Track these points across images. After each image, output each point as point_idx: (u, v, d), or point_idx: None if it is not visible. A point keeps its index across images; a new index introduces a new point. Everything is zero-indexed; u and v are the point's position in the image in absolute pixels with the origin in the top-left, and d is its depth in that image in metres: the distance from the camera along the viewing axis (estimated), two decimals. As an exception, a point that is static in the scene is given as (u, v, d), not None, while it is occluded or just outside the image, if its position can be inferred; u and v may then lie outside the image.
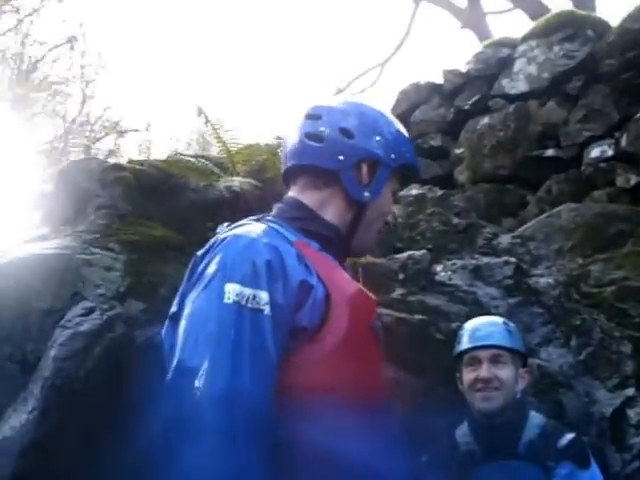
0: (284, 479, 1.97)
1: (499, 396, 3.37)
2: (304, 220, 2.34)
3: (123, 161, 5.25)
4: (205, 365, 1.93)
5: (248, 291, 2.00)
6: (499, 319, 3.72)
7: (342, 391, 2.08)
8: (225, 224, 2.35)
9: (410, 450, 2.44)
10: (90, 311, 3.21)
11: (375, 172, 2.39)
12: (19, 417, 2.82)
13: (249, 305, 1.99)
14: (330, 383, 2.07)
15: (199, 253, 2.23)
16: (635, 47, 7.99)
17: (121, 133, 20.48)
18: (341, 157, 2.36)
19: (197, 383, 1.91)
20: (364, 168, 2.37)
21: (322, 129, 2.40)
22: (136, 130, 20.12)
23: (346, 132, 2.39)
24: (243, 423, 1.88)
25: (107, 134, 20.38)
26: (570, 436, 3.36)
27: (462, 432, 3.49)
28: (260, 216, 2.38)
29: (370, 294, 2.35)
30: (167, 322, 2.26)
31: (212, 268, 2.09)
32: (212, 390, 1.90)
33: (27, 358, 3.06)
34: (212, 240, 2.24)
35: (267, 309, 2.00)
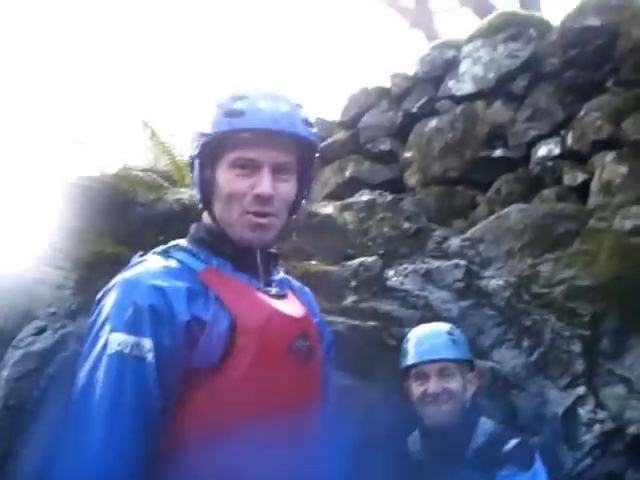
0: None
1: (449, 409, 3.39)
2: (206, 240, 2.24)
3: (75, 174, 5.23)
4: (86, 422, 1.90)
5: (131, 339, 1.94)
6: (443, 328, 3.69)
7: (244, 419, 2.01)
8: (138, 254, 2.25)
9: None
10: (42, 330, 3.21)
11: (193, 166, 2.23)
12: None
13: (132, 354, 1.94)
14: (231, 413, 2.01)
15: (98, 296, 2.14)
16: (576, 46, 8.06)
17: (77, 144, 20.27)
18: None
19: (76, 440, 1.90)
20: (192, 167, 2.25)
21: None
22: (82, 143, 19.94)
23: None
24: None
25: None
26: (515, 441, 3.37)
27: (414, 439, 3.52)
28: (176, 242, 2.28)
29: (292, 314, 2.23)
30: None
31: (100, 317, 2.02)
32: (88, 450, 1.88)
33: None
34: (105, 288, 2.13)
35: (150, 356, 1.95)
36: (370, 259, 5.16)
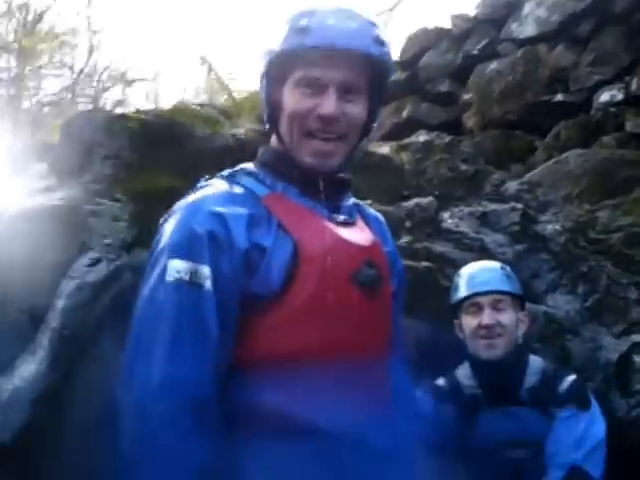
0: (242, 443, 1.95)
1: (502, 343, 3.36)
2: (272, 164, 2.19)
3: (130, 111, 5.24)
4: (150, 349, 1.89)
5: (189, 266, 1.92)
6: (495, 264, 3.68)
7: (307, 354, 1.98)
8: (204, 178, 2.21)
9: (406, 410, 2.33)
10: (97, 261, 3.23)
11: (260, 85, 2.19)
12: (28, 368, 2.85)
13: (190, 282, 1.92)
14: (293, 347, 1.98)
15: (161, 220, 2.11)
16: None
17: (128, 83, 20.36)
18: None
19: (142, 367, 1.89)
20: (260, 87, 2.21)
21: None
22: (143, 80, 20.00)
23: None
24: (183, 411, 1.85)
25: (114, 85, 20.27)
26: (570, 379, 3.36)
27: (464, 374, 3.50)
28: (242, 167, 2.22)
29: (358, 242, 2.14)
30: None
31: (160, 242, 2.01)
32: (154, 377, 1.86)
33: (35, 310, 3.08)
34: (168, 212, 2.10)
35: (208, 284, 1.92)
36: (426, 200, 5.11)
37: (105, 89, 20.23)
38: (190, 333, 1.91)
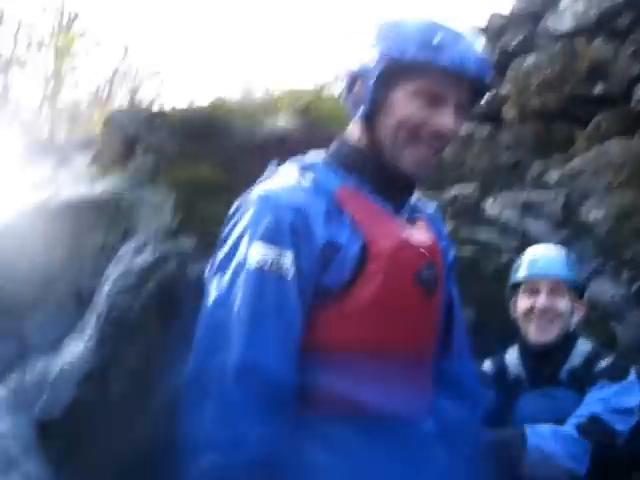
0: (306, 430, 1.97)
1: (554, 328, 3.32)
2: (347, 159, 2.19)
3: (167, 108, 5.29)
4: (229, 334, 1.90)
5: (272, 255, 1.92)
6: (560, 249, 3.64)
7: (365, 346, 2.01)
8: (274, 165, 2.21)
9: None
10: (142, 247, 3.25)
11: (366, 84, 2.15)
12: (77, 346, 2.89)
13: (273, 270, 1.92)
14: (358, 340, 2.01)
15: (231, 210, 2.11)
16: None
17: (162, 80, 20.51)
18: (343, 82, 2.25)
19: (220, 352, 1.90)
20: (358, 84, 2.17)
21: None
22: (178, 75, 20.18)
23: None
24: (263, 396, 1.87)
25: (149, 81, 20.44)
26: (608, 359, 3.31)
27: (512, 357, 3.48)
28: (312, 157, 2.23)
29: (421, 242, 2.16)
30: (208, 267, 2.15)
31: (237, 231, 2.00)
32: (233, 361, 1.87)
33: (82, 293, 3.12)
34: (244, 196, 2.11)
35: (291, 273, 1.94)
36: (468, 188, 5.10)
37: (139, 86, 20.37)
38: (272, 319, 1.92)
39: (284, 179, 2.10)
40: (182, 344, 2.53)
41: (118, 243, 3.28)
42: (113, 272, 3.10)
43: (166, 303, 3.12)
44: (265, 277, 1.93)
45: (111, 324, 2.95)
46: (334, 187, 2.10)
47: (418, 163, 2.11)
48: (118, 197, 3.50)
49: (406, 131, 2.09)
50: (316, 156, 2.23)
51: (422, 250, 2.14)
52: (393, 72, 2.09)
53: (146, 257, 3.19)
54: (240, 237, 1.99)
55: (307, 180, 2.10)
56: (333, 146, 2.25)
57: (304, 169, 2.15)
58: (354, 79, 2.18)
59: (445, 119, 2.06)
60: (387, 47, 2.11)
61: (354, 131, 2.21)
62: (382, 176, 2.15)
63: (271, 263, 1.93)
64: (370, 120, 2.15)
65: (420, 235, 2.19)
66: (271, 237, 1.94)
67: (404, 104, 2.09)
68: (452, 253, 2.45)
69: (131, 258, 3.18)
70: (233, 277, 1.95)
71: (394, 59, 2.08)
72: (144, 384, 2.92)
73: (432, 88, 2.08)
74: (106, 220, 3.36)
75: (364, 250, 2.02)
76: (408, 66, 2.08)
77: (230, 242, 2.01)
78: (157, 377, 2.89)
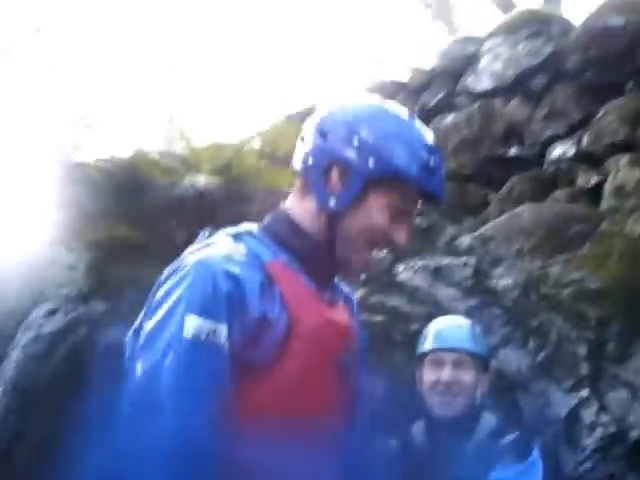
0: None
1: (458, 402, 3.37)
2: (284, 235, 2.18)
3: (89, 157, 5.26)
4: (160, 403, 1.88)
5: (208, 325, 1.91)
6: (466, 321, 3.70)
7: (288, 422, 2.01)
8: (205, 232, 2.20)
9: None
10: (53, 312, 3.23)
11: (347, 179, 2.11)
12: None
13: (208, 341, 1.91)
14: (277, 413, 2.00)
15: (164, 274, 2.10)
16: (597, 46, 8.01)
17: (87, 127, 20.26)
18: (311, 160, 2.17)
19: (151, 420, 1.88)
20: (334, 173, 2.12)
21: (311, 130, 2.22)
22: (101, 124, 19.96)
23: (321, 132, 2.17)
24: (192, 462, 1.86)
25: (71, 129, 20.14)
26: (512, 435, 3.37)
27: (418, 430, 3.51)
28: (245, 227, 2.22)
29: (342, 325, 2.19)
30: (130, 334, 2.13)
31: (171, 299, 1.97)
32: (168, 429, 1.87)
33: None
34: (176, 263, 2.10)
35: (225, 343, 1.92)
36: (380, 254, 5.14)
37: (62, 133, 20.06)
38: (206, 387, 1.91)
39: (220, 247, 2.08)
40: (93, 412, 2.52)
41: (30, 307, 3.25)
42: (23, 338, 3.08)
43: (76, 370, 3.09)
44: (201, 347, 1.91)
45: (20, 393, 2.92)
46: (266, 259, 2.11)
47: (365, 265, 2.20)
48: (31, 258, 3.46)
49: (369, 237, 2.12)
50: (248, 226, 2.23)
51: (343, 333, 2.17)
52: (381, 179, 2.11)
53: (56, 322, 3.17)
54: (174, 306, 1.96)
55: (241, 250, 2.09)
56: (270, 219, 2.25)
57: (237, 238, 2.14)
58: (331, 164, 2.15)
59: (403, 234, 2.14)
60: (389, 156, 2.11)
61: (307, 216, 2.20)
62: (318, 261, 2.17)
63: (208, 334, 1.92)
64: (337, 216, 2.14)
65: (340, 316, 2.22)
66: (207, 309, 1.94)
67: (376, 214, 2.12)
68: (363, 334, 2.47)
69: (41, 323, 3.15)
70: (165, 349, 1.93)
71: (392, 171, 2.11)
72: (51, 456, 2.88)
73: (403, 204, 2.14)
74: (18, 283, 3.32)
75: (289, 328, 2.02)
76: (398, 180, 2.11)
77: (162, 311, 1.99)
78: (65, 448, 2.87)
